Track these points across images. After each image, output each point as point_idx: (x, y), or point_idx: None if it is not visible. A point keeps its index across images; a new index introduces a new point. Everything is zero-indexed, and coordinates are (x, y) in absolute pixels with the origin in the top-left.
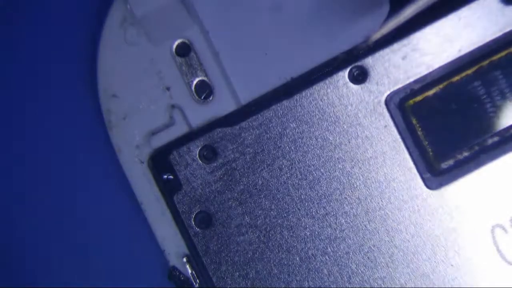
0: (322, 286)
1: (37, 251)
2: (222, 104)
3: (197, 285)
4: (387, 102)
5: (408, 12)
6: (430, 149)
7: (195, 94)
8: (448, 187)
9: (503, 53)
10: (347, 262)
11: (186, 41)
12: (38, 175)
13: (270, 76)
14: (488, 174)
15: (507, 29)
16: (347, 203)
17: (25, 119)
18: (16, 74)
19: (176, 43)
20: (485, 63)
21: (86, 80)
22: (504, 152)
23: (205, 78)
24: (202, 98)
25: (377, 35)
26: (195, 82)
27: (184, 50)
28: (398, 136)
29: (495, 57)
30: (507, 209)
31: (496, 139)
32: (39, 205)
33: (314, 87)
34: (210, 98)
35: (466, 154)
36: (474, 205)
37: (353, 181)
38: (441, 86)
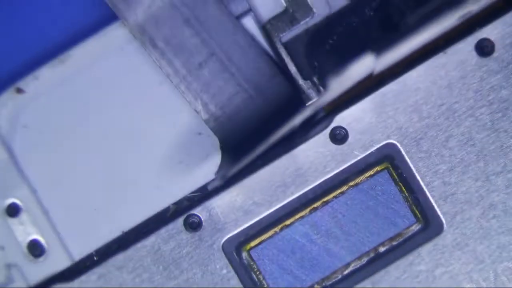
0: None
1: None
2: (56, 261)
3: None
4: (224, 248)
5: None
6: None
7: (28, 253)
8: None
9: (336, 192)
10: None
11: (17, 201)
12: None
13: (101, 231)
14: None
15: (337, 169)
16: None
17: None
18: None
19: (7, 203)
20: (318, 203)
21: None
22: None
23: (38, 237)
24: (36, 256)
25: None
26: (28, 241)
27: (15, 210)
28: (238, 281)
29: (327, 197)
30: None
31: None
32: None
33: (150, 238)
34: (43, 256)
35: None
36: None
37: None
38: (276, 229)
